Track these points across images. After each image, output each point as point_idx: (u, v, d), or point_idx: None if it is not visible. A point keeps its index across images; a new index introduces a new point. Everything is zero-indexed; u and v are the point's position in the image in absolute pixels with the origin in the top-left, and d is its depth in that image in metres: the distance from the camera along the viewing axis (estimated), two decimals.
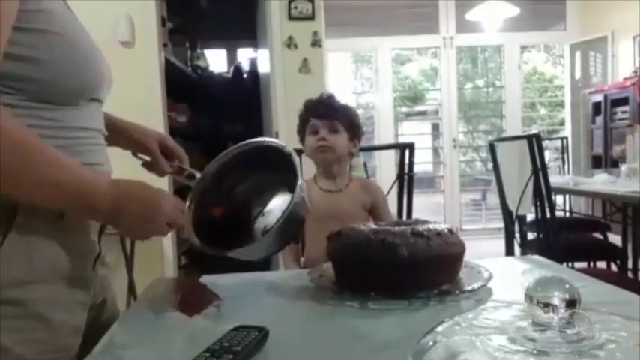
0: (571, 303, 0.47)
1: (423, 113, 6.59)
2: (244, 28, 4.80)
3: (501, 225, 2.95)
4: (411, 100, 6.66)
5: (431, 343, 0.55)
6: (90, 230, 0.87)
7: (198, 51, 5.25)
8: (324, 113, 1.61)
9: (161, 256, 2.92)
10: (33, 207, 0.74)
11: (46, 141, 0.73)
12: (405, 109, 6.42)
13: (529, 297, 0.49)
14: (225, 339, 0.68)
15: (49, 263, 0.76)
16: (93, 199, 0.75)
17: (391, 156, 5.17)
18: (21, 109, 0.73)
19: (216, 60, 5.74)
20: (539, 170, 2.32)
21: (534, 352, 0.47)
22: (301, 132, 1.66)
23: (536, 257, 1.26)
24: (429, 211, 5.80)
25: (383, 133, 5.70)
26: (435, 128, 6.23)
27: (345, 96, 5.88)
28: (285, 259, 1.69)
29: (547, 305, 0.47)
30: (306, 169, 1.63)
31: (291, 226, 0.97)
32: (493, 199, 5.14)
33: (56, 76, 0.75)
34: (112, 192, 0.77)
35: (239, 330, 0.71)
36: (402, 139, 5.75)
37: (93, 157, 0.83)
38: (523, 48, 6.04)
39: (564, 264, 2.31)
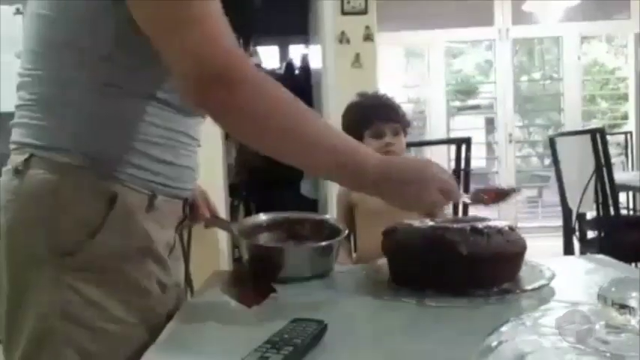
0: None
1: (476, 107, 6.42)
2: (297, 24, 4.83)
3: (559, 223, 2.85)
4: (464, 93, 6.51)
5: (496, 343, 0.54)
6: (171, 224, 0.91)
7: (251, 48, 5.32)
8: (389, 116, 1.59)
9: (216, 249, 2.99)
10: (131, 195, 0.78)
11: (155, 137, 0.79)
12: (457, 103, 6.28)
13: (603, 298, 0.47)
14: (285, 331, 0.69)
15: (142, 244, 0.81)
16: (362, 163, 0.79)
17: (443, 151, 5.08)
18: (157, 110, 0.80)
19: (268, 57, 5.80)
20: (603, 166, 2.22)
21: (608, 355, 0.45)
22: (357, 131, 1.58)
23: (601, 257, 1.21)
24: (483, 207, 5.66)
25: (435, 128, 5.61)
26: (490, 122, 6.06)
27: (396, 90, 5.82)
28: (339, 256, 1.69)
29: (623, 307, 0.45)
30: None
31: (315, 261, 1.05)
32: (550, 196, 4.97)
33: None
34: (378, 157, 0.81)
35: (297, 322, 0.72)
36: (454, 134, 5.63)
37: (185, 160, 0.87)
38: (583, 38, 5.79)
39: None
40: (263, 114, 0.74)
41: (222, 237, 3.00)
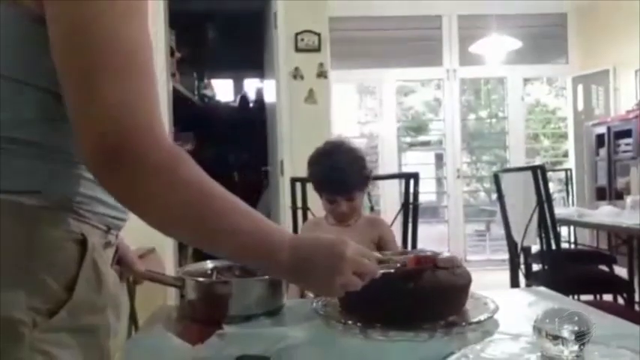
0: (581, 335, 0.46)
1: (426, 143, 6.62)
2: (251, 58, 4.87)
3: (506, 256, 2.93)
4: (414, 130, 6.70)
5: None
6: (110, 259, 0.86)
7: (206, 81, 5.32)
8: (338, 192, 1.57)
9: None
10: (93, 233, 0.71)
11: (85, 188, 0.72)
12: (408, 139, 6.45)
13: (538, 329, 0.49)
14: None
15: (108, 292, 0.73)
16: (273, 249, 0.73)
17: (395, 185, 5.17)
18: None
19: (223, 89, 5.81)
20: (544, 201, 2.31)
21: None
22: (314, 186, 1.63)
23: (542, 289, 1.25)
24: (433, 241, 5.76)
25: (387, 163, 5.72)
26: (439, 158, 6.25)
27: (349, 126, 5.92)
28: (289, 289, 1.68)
29: (556, 338, 0.46)
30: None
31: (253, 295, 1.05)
32: (497, 230, 5.12)
33: None
34: (291, 243, 0.74)
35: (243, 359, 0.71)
36: (405, 169, 5.76)
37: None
38: (526, 80, 6.09)
39: (570, 296, 2.28)
40: (158, 202, 0.66)
41: (170, 270, 2.92)
